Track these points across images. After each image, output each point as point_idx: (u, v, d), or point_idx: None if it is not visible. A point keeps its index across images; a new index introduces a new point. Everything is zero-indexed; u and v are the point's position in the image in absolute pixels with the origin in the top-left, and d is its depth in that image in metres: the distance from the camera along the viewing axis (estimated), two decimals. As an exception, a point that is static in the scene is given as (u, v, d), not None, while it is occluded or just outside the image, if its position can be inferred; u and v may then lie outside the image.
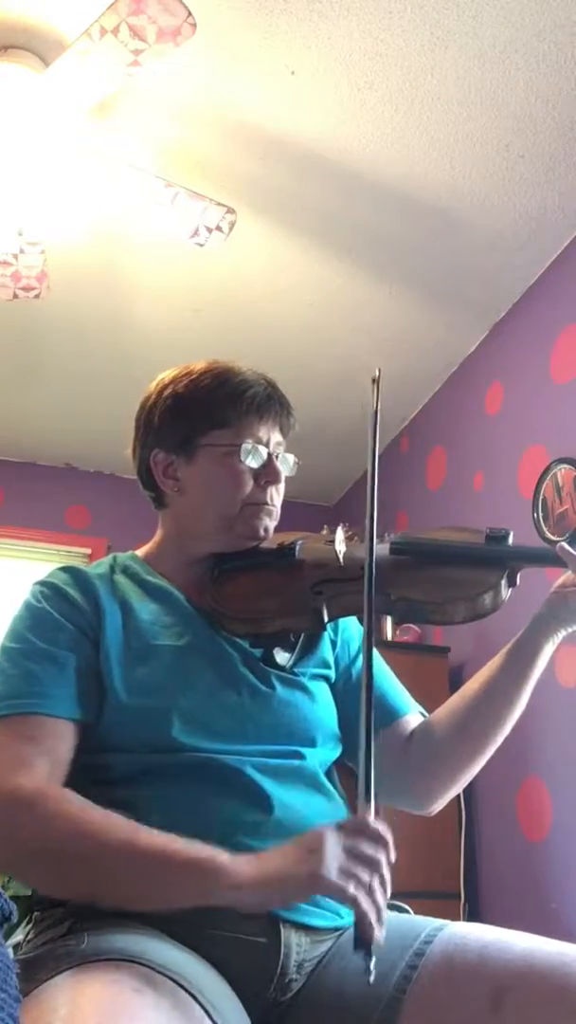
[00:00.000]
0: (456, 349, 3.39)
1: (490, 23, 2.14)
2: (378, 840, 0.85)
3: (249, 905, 0.88)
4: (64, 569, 1.15)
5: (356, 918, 0.82)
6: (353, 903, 0.82)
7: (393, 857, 0.86)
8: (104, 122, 2.39)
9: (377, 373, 1.16)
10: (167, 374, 1.23)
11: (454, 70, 2.27)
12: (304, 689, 1.12)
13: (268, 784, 1.02)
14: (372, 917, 0.81)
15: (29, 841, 0.90)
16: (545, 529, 2.73)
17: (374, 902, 0.82)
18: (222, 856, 0.86)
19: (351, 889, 0.82)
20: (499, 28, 2.15)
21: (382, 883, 0.84)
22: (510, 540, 1.14)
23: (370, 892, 0.82)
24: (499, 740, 1.15)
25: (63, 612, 1.08)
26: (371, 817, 0.87)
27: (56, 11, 2.16)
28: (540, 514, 2.76)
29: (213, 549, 1.18)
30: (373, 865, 0.84)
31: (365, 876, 0.83)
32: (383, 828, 0.86)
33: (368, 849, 0.84)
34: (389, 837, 0.86)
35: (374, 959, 0.80)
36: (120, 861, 0.88)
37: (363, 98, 2.35)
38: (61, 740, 0.99)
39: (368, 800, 0.88)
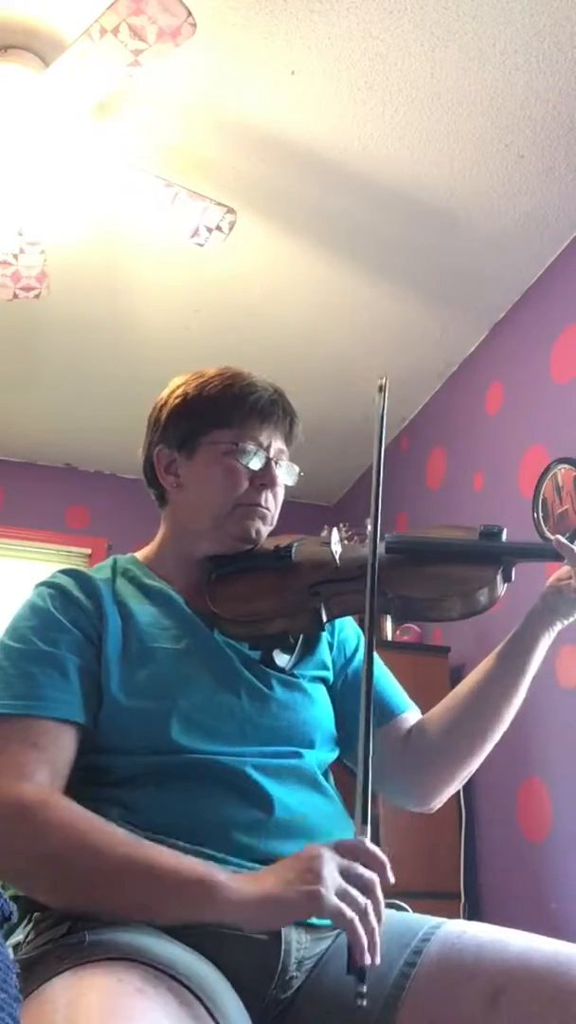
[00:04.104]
0: (456, 349, 3.39)
1: (490, 23, 2.14)
2: (374, 863, 0.85)
3: (246, 923, 0.88)
4: (67, 572, 1.15)
5: (350, 943, 0.81)
6: (349, 927, 0.81)
7: (391, 880, 0.86)
8: (104, 122, 2.39)
9: (383, 381, 1.17)
10: (180, 377, 1.26)
11: (454, 70, 2.27)
12: (303, 691, 1.13)
13: (268, 784, 1.02)
14: (365, 942, 0.80)
15: (29, 850, 0.90)
16: (545, 529, 2.73)
17: (368, 926, 0.82)
18: (221, 875, 0.86)
19: (348, 913, 0.81)
20: (499, 28, 2.15)
21: (376, 909, 0.83)
22: (504, 536, 1.14)
23: (364, 916, 0.82)
24: (497, 735, 1.16)
25: (68, 615, 1.08)
26: (368, 839, 0.87)
27: (56, 11, 2.16)
28: (540, 514, 2.76)
29: (208, 550, 1.19)
30: (369, 889, 0.84)
31: (361, 899, 0.82)
32: (379, 851, 0.86)
33: (365, 872, 0.84)
34: (385, 860, 0.86)
35: (365, 984, 0.80)
36: (120, 876, 0.88)
37: (363, 98, 2.35)
38: (63, 747, 0.99)
39: (365, 821, 0.87)
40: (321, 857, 0.84)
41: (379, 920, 0.83)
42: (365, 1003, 0.79)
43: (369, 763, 0.90)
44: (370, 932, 0.81)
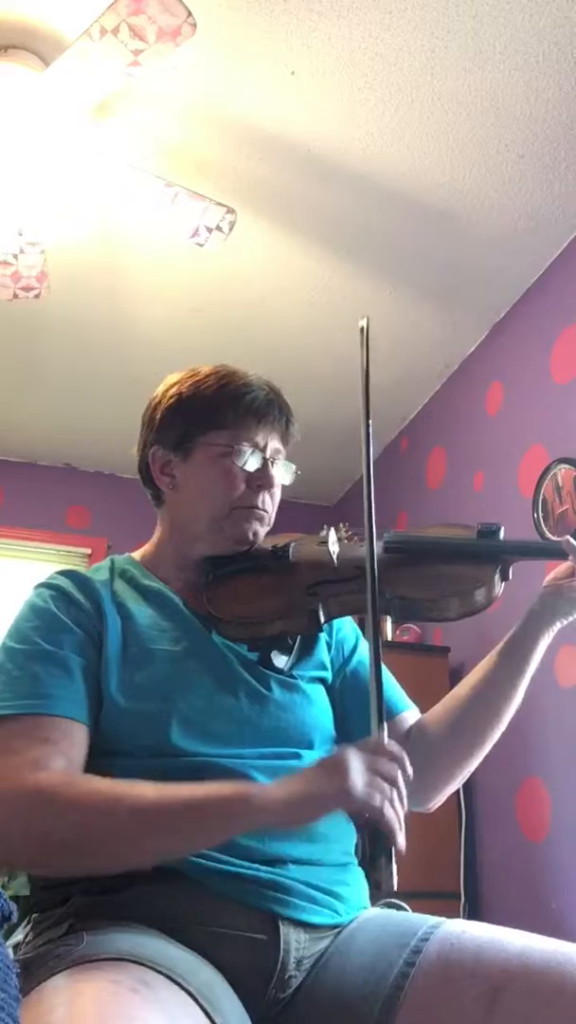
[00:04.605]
0: (456, 349, 3.39)
1: (490, 23, 2.14)
2: (395, 757, 0.90)
3: (284, 823, 0.92)
4: (66, 573, 1.15)
5: (382, 827, 0.86)
6: (378, 812, 0.86)
7: (410, 773, 0.90)
8: (104, 122, 2.39)
9: (365, 322, 1.14)
10: (174, 375, 1.24)
11: (454, 70, 2.26)
12: (302, 692, 1.12)
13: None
14: (395, 825, 0.86)
15: (61, 827, 0.90)
16: (545, 529, 2.73)
17: (396, 812, 0.87)
18: (250, 787, 0.92)
19: (376, 801, 0.86)
20: (499, 28, 2.15)
21: (400, 797, 0.88)
22: (501, 534, 1.14)
23: (392, 802, 0.87)
24: (496, 735, 1.16)
25: (69, 615, 1.07)
26: (385, 737, 0.92)
27: (56, 11, 2.16)
28: (540, 514, 2.76)
29: (205, 551, 1.18)
30: (392, 780, 0.88)
31: (387, 789, 0.87)
32: (397, 747, 0.91)
33: (387, 766, 0.89)
34: (404, 754, 0.91)
35: (395, 866, 0.85)
36: (159, 815, 0.90)
37: (363, 98, 2.35)
38: (75, 743, 0.99)
39: (381, 723, 0.93)
40: (345, 755, 0.89)
41: (404, 806, 0.88)
42: (396, 886, 0.85)
43: (380, 662, 0.96)
44: (398, 816, 0.87)
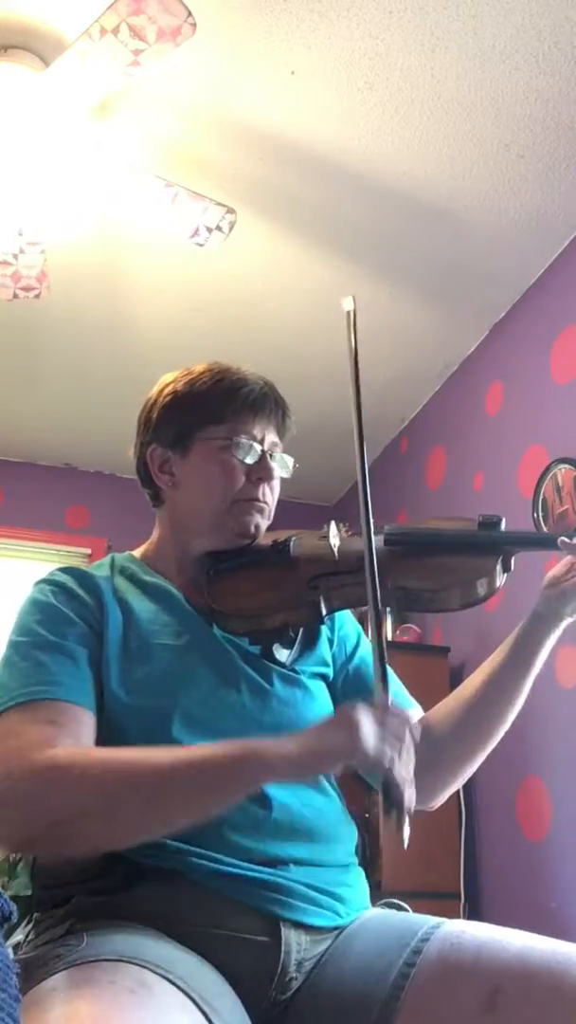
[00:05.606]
0: (456, 349, 3.39)
1: (490, 23, 2.14)
2: (401, 718, 0.92)
3: (292, 777, 0.95)
4: (66, 569, 1.15)
5: (391, 783, 0.87)
6: (389, 768, 0.87)
7: (416, 735, 0.93)
8: (104, 122, 2.39)
9: (352, 305, 1.15)
10: (169, 375, 1.25)
11: (454, 70, 2.26)
12: (303, 687, 1.13)
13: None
14: (405, 780, 0.87)
15: (76, 797, 0.89)
16: (545, 529, 2.73)
17: (406, 767, 0.89)
18: (260, 743, 0.92)
19: (387, 756, 0.87)
20: (499, 28, 2.15)
21: (408, 755, 0.90)
22: (503, 526, 1.14)
23: (401, 758, 0.89)
24: (500, 735, 1.16)
25: (71, 608, 1.07)
26: (390, 699, 0.94)
27: (56, 11, 2.16)
28: (540, 514, 2.76)
29: (207, 546, 1.18)
30: (400, 737, 0.90)
31: (396, 745, 0.89)
32: (401, 710, 0.94)
33: (395, 724, 0.90)
34: (408, 715, 0.94)
35: (407, 821, 0.86)
36: (174, 777, 0.90)
37: (363, 98, 2.35)
38: (83, 724, 0.98)
39: (385, 686, 0.95)
40: (356, 711, 0.90)
41: (411, 765, 0.90)
42: (408, 842, 0.85)
43: (383, 634, 0.97)
44: (408, 772, 0.89)
